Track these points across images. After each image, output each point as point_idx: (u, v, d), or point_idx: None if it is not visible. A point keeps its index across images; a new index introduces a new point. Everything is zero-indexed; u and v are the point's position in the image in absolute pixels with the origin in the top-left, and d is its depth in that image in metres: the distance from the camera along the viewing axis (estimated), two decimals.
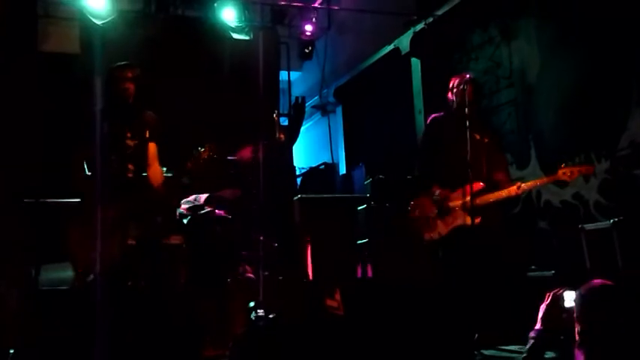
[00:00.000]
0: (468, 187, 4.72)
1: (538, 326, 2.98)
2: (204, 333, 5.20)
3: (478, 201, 4.74)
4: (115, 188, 4.50)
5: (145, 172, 4.69)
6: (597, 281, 2.72)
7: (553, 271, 5.26)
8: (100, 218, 4.35)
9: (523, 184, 4.88)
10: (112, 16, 7.97)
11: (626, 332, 2.58)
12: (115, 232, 4.38)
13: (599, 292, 2.69)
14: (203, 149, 4.61)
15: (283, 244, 6.73)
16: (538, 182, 5.12)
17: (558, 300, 2.96)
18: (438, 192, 5.02)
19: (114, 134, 4.60)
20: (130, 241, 4.45)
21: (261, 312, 4.46)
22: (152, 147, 4.75)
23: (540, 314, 2.99)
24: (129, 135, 4.65)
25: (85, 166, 4.86)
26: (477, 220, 4.65)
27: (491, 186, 4.93)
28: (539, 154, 6.62)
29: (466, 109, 4.77)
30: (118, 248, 4.40)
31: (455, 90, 5.08)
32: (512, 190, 4.84)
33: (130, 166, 4.61)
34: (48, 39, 8.60)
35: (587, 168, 4.80)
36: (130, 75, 4.65)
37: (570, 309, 2.83)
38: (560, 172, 4.74)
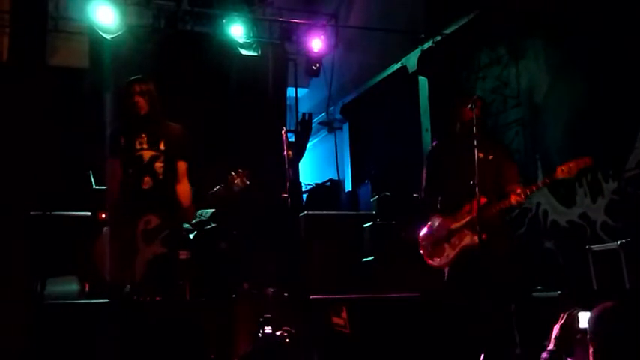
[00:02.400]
0: (474, 204, 4.69)
1: (551, 346, 2.96)
2: (209, 348, 5.18)
3: (484, 215, 4.68)
4: (133, 200, 4.49)
5: (165, 184, 4.66)
6: (610, 302, 2.71)
7: (559, 292, 5.23)
8: (123, 230, 4.35)
9: (526, 190, 4.83)
10: (121, 31, 8.02)
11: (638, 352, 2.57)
12: (136, 244, 4.37)
13: (612, 313, 2.68)
14: (239, 174, 4.60)
15: (290, 260, 6.73)
16: (539, 185, 5.07)
17: (572, 321, 2.94)
18: (438, 222, 4.98)
19: (129, 147, 4.60)
20: (153, 254, 4.42)
21: (268, 329, 4.45)
22: (182, 165, 4.73)
23: (554, 334, 2.97)
24: (145, 147, 4.64)
25: (92, 180, 4.88)
26: (484, 237, 4.59)
27: (500, 198, 4.88)
28: (546, 174, 6.56)
29: (474, 129, 4.74)
30: (138, 261, 4.38)
31: (461, 109, 5.06)
32: (513, 198, 4.78)
33: (147, 179, 4.60)
34: (57, 53, 8.65)
35: (585, 161, 4.73)
36: (137, 89, 4.64)
37: (584, 330, 2.81)
38: (559, 170, 4.69)
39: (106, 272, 4.39)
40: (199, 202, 4.78)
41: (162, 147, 4.64)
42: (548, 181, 4.93)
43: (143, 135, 4.62)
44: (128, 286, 4.32)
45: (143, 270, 4.34)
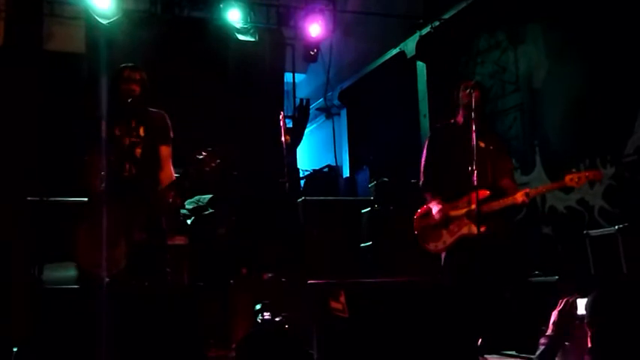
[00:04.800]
0: (473, 195, 4.68)
1: (549, 332, 2.96)
2: (207, 334, 5.19)
3: (484, 209, 4.68)
4: (114, 188, 4.48)
5: (145, 170, 4.65)
6: (607, 287, 2.71)
7: (557, 277, 5.24)
8: (104, 218, 4.33)
9: (530, 191, 4.84)
10: (118, 16, 7.99)
11: (636, 337, 2.57)
12: (117, 231, 4.36)
13: (610, 298, 2.68)
14: (206, 154, 4.57)
15: (288, 245, 6.73)
16: (545, 188, 5.09)
17: (571, 307, 2.94)
18: (437, 208, 4.96)
19: (111, 132, 4.59)
20: (134, 241, 4.41)
21: (267, 315, 4.45)
22: (164, 150, 4.72)
23: (552, 320, 2.97)
24: (125, 133, 4.63)
25: (85, 165, 4.81)
26: (483, 229, 4.59)
27: (498, 193, 4.88)
28: (545, 160, 6.60)
29: (472, 114, 4.73)
30: (121, 248, 4.37)
31: (461, 94, 5.04)
32: (519, 197, 4.78)
33: (127, 165, 4.59)
34: (53, 38, 8.61)
35: (595, 173, 4.75)
36: (138, 77, 4.65)
37: (582, 316, 2.81)
38: (567, 178, 4.69)
39: (87, 263, 4.39)
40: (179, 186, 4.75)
41: (141, 133, 4.63)
42: (555, 185, 4.95)
43: (123, 122, 4.61)
44: (107, 279, 4.31)
45: (125, 259, 4.33)
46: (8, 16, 7.85)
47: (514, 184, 5.06)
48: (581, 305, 2.89)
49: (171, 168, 4.72)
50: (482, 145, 4.84)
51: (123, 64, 4.74)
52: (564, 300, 2.98)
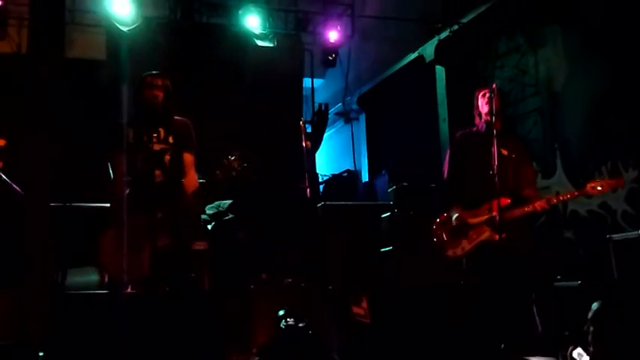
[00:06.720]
0: (494, 203, 4.66)
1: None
2: (228, 338, 5.20)
3: (504, 216, 4.65)
4: (142, 193, 4.50)
5: (174, 177, 4.68)
6: (607, 295, 2.71)
7: (579, 282, 5.20)
8: (129, 223, 4.35)
9: (551, 199, 4.80)
10: (138, 23, 8.04)
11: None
12: (142, 237, 4.38)
13: (607, 305, 2.67)
14: (233, 157, 4.60)
15: (308, 250, 6.73)
16: (566, 197, 5.04)
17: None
18: (457, 215, 4.94)
19: (138, 139, 4.62)
20: (158, 246, 4.43)
21: (291, 320, 4.46)
22: (188, 157, 4.75)
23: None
24: (154, 140, 4.66)
25: (110, 170, 4.90)
26: (503, 236, 4.56)
27: (519, 201, 4.84)
28: (565, 163, 6.56)
29: (493, 119, 4.71)
30: (146, 254, 4.39)
31: (480, 102, 5.02)
32: (540, 206, 4.74)
33: (157, 172, 4.61)
34: (74, 45, 8.69)
35: (618, 181, 4.71)
36: (160, 83, 4.69)
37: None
38: (589, 186, 4.65)
39: (112, 268, 4.42)
40: (206, 191, 4.77)
41: (170, 140, 4.67)
42: (577, 193, 4.91)
43: (153, 129, 4.64)
44: (129, 286, 4.34)
45: (150, 264, 4.34)
46: (31, 23, 7.93)
47: (536, 192, 5.02)
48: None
49: (195, 174, 4.75)
50: (504, 152, 4.82)
51: (147, 72, 4.78)
52: None
